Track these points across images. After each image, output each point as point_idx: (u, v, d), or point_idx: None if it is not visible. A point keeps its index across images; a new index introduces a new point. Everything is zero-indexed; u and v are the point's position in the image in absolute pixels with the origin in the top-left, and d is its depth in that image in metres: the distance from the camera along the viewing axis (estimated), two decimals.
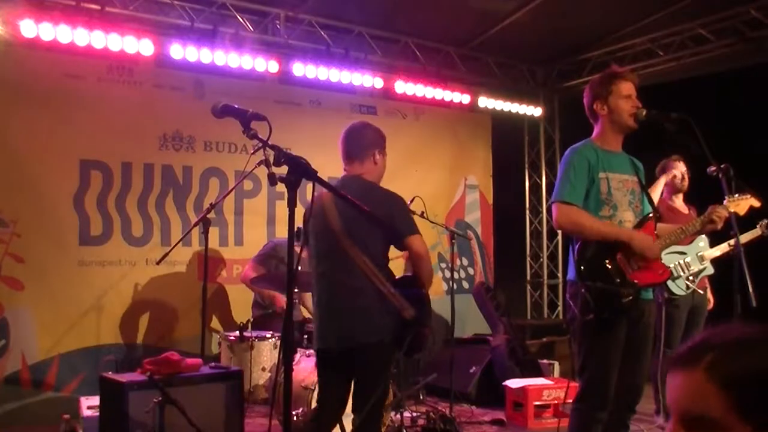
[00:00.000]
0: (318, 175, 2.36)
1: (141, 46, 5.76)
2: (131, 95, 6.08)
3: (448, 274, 7.57)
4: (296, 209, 2.27)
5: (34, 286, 5.62)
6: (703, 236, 5.13)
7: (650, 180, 3.82)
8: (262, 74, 6.46)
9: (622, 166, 3.54)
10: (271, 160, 2.31)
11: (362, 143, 3.70)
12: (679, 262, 5.17)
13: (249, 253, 6.27)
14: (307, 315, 5.74)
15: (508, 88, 8.30)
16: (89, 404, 4.66)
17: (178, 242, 5.40)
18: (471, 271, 8.26)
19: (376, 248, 3.42)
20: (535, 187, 8.96)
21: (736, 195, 3.55)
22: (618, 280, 3.33)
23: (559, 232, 8.34)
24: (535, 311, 8.87)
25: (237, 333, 5.51)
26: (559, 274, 8.69)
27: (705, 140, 3.30)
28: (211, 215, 5.19)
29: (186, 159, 6.40)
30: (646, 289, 3.45)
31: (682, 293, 5.18)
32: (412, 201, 5.29)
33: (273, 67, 6.43)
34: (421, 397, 6.15)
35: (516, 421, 5.73)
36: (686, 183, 5.43)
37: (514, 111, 8.32)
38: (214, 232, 5.85)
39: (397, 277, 3.56)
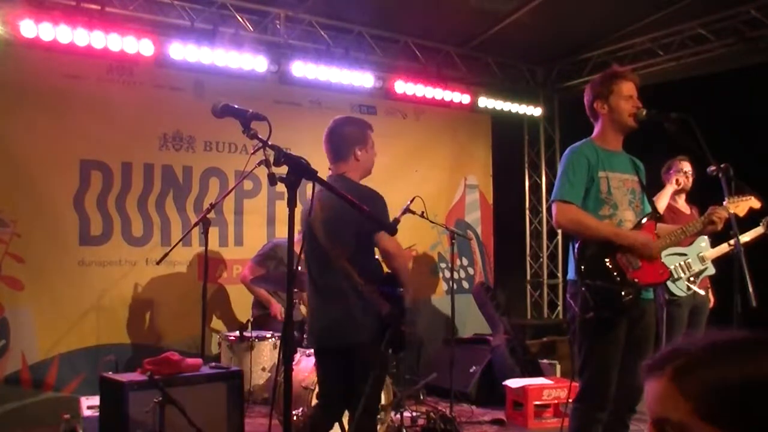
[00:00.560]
0: (318, 175, 2.36)
1: (141, 46, 5.77)
2: (131, 95, 6.08)
3: (448, 274, 7.57)
4: (296, 209, 2.27)
5: (34, 286, 5.62)
6: (705, 237, 5.13)
7: (651, 180, 3.82)
8: (262, 74, 6.46)
9: (622, 166, 3.54)
10: (271, 160, 2.31)
11: (341, 142, 3.65)
12: (680, 263, 5.17)
13: (249, 253, 6.28)
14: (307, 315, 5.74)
15: (508, 88, 8.30)
16: (89, 404, 4.67)
17: (178, 242, 5.40)
18: (471, 271, 8.26)
19: (358, 247, 3.47)
20: (535, 187, 8.96)
21: (736, 196, 3.55)
22: (618, 280, 3.33)
23: (559, 231, 8.35)
24: (535, 311, 8.87)
25: (237, 333, 5.52)
26: (559, 274, 8.69)
27: (705, 140, 3.30)
28: (211, 215, 5.19)
29: (186, 159, 6.40)
30: (646, 288, 3.45)
31: (683, 294, 5.18)
32: (412, 201, 5.30)
33: (273, 67, 6.44)
34: (421, 397, 6.15)
35: (516, 421, 5.73)
36: (690, 182, 5.43)
37: (514, 111, 8.32)
38: (214, 232, 5.85)
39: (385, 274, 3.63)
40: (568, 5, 6.66)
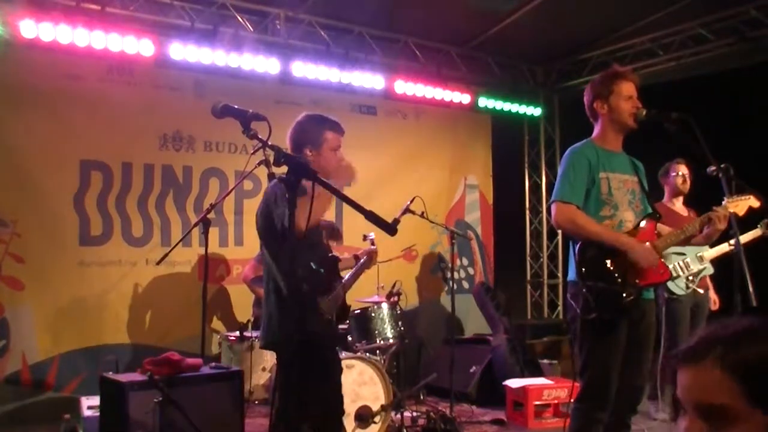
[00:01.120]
0: (317, 175, 2.36)
1: (141, 46, 5.77)
2: (131, 95, 6.08)
3: (448, 274, 7.57)
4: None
5: (34, 286, 5.62)
6: None
7: (651, 181, 3.83)
8: (262, 74, 6.46)
9: (622, 166, 3.54)
10: (271, 160, 2.31)
11: (293, 139, 3.45)
12: (678, 263, 5.18)
13: (249, 253, 6.28)
14: None
15: (508, 88, 8.30)
16: (89, 404, 4.67)
17: (178, 242, 5.40)
18: (471, 271, 8.26)
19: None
20: (535, 187, 8.96)
21: (735, 196, 3.55)
22: (619, 281, 3.33)
23: (559, 232, 8.35)
24: (535, 311, 8.87)
25: (237, 333, 5.52)
26: (559, 274, 8.69)
27: (705, 140, 3.30)
28: (211, 215, 5.19)
29: (186, 159, 6.40)
30: (647, 289, 3.45)
31: (682, 293, 5.19)
32: (412, 201, 5.29)
33: (273, 67, 6.43)
34: (421, 397, 6.15)
35: (516, 421, 5.73)
36: (687, 185, 5.43)
37: (514, 111, 8.32)
38: (214, 233, 5.85)
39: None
40: (568, 5, 6.67)
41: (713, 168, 3.41)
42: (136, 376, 4.00)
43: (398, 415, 5.11)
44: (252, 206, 6.69)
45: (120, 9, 5.84)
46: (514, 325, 6.95)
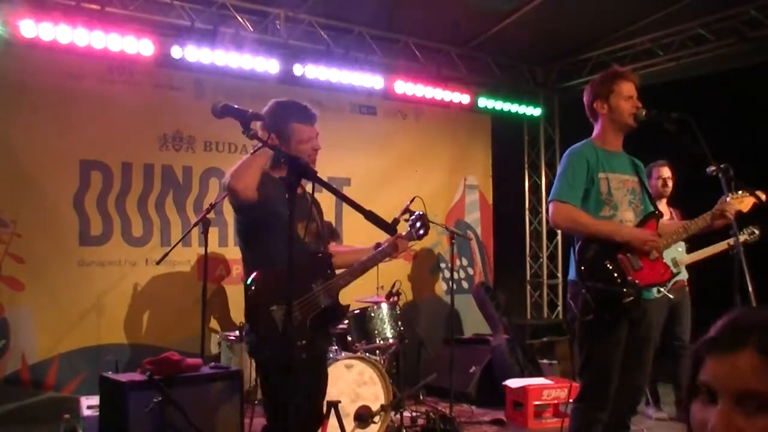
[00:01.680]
0: (317, 175, 2.36)
1: (141, 46, 5.77)
2: (131, 95, 6.08)
3: (447, 274, 7.57)
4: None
5: (34, 286, 5.62)
6: (681, 242, 5.13)
7: None
8: (262, 74, 6.46)
9: (622, 166, 3.54)
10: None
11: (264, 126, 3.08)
12: None
13: None
14: None
15: (508, 88, 8.30)
16: (89, 404, 4.67)
17: (178, 242, 5.40)
18: (471, 271, 8.26)
19: (246, 243, 3.23)
20: (535, 188, 8.96)
21: (740, 192, 3.54)
22: (619, 281, 3.33)
23: (559, 232, 8.35)
24: (535, 311, 8.87)
25: (237, 333, 5.51)
26: (559, 275, 8.69)
27: (705, 140, 3.30)
28: (211, 215, 5.19)
29: (186, 159, 6.40)
30: (647, 289, 3.45)
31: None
32: (412, 201, 5.28)
33: (273, 67, 6.43)
34: (421, 397, 6.15)
35: (516, 421, 5.73)
36: (669, 188, 5.43)
37: (513, 111, 8.32)
38: (213, 233, 5.84)
39: None
40: (568, 5, 6.66)
41: (713, 168, 3.41)
42: (136, 376, 4.00)
43: (398, 415, 5.11)
44: None
45: (120, 9, 5.83)
46: (513, 325, 6.95)
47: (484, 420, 5.89)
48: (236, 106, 2.39)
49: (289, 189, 2.25)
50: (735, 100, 6.45)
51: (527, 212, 8.95)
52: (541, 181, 8.87)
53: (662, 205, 5.49)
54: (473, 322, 7.67)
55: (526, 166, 8.95)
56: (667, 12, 6.78)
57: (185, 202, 6.36)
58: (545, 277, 8.83)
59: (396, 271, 6.47)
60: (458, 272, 7.99)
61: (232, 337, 5.52)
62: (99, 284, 5.91)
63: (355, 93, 7.24)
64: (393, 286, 5.66)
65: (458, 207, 8.23)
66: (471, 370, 6.51)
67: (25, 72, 5.64)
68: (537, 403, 5.66)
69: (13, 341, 5.52)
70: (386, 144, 7.53)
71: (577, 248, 3.41)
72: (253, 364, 5.37)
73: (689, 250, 5.30)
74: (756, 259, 3.50)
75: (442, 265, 7.88)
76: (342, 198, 2.56)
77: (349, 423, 4.67)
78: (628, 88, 3.49)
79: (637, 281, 3.35)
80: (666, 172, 5.40)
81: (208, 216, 5.05)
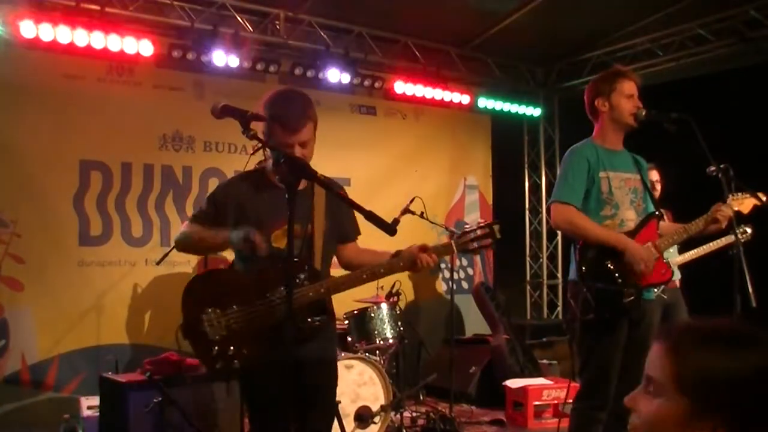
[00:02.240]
0: (317, 175, 2.36)
1: (141, 46, 5.76)
2: (131, 95, 6.08)
3: (447, 274, 7.57)
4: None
5: (34, 286, 5.62)
6: None
7: None
8: (261, 74, 6.46)
9: (623, 165, 3.54)
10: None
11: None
12: None
13: None
14: None
15: (508, 88, 8.30)
16: (89, 404, 4.67)
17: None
18: (470, 271, 8.26)
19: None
20: (535, 188, 8.96)
21: (739, 193, 3.54)
22: (620, 281, 3.33)
23: (559, 232, 8.34)
24: (535, 311, 8.87)
25: None
26: (559, 275, 8.69)
27: (704, 140, 3.30)
28: None
29: (186, 159, 6.40)
30: (648, 289, 3.45)
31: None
32: (411, 201, 5.30)
33: (273, 67, 6.43)
34: (421, 397, 6.15)
35: (516, 421, 5.73)
36: (658, 192, 5.43)
37: (513, 111, 8.31)
38: None
39: None
40: (568, 5, 6.66)
41: (713, 168, 3.41)
42: (135, 376, 4.01)
43: (398, 416, 5.12)
44: None
45: (120, 9, 5.83)
46: (513, 325, 6.95)
47: (484, 420, 5.89)
48: (236, 107, 2.39)
49: (289, 189, 2.25)
50: (735, 100, 6.45)
51: (527, 212, 8.95)
52: (541, 181, 8.87)
53: None
54: (473, 322, 7.67)
55: (526, 166, 8.95)
56: (667, 12, 6.78)
57: (185, 202, 6.36)
58: (545, 277, 8.83)
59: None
60: (458, 272, 7.99)
61: None
62: (99, 284, 5.91)
63: (355, 93, 7.24)
64: (393, 286, 5.66)
65: (458, 207, 8.23)
66: (471, 370, 6.51)
67: (25, 72, 5.64)
68: (537, 403, 5.66)
69: (13, 341, 5.52)
70: (386, 144, 7.53)
71: (578, 248, 3.41)
72: None
73: (682, 250, 5.30)
74: (756, 259, 3.51)
75: (442, 265, 7.87)
76: (342, 198, 2.57)
77: (349, 423, 4.67)
78: (629, 87, 3.50)
79: (637, 281, 3.35)
80: (654, 175, 5.40)
81: None
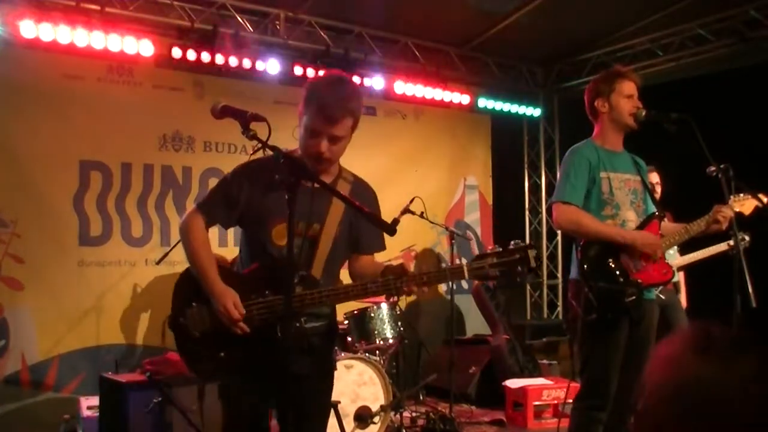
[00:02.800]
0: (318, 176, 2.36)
1: (141, 46, 5.76)
2: (131, 95, 6.08)
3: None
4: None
5: (34, 286, 5.62)
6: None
7: None
8: (262, 74, 6.46)
9: (624, 166, 3.55)
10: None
11: None
12: None
13: None
14: None
15: (507, 88, 8.30)
16: (89, 404, 4.67)
17: (178, 242, 5.38)
18: None
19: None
20: (535, 188, 8.96)
21: (740, 194, 3.54)
22: (621, 280, 3.33)
23: (559, 232, 8.35)
24: (534, 311, 8.87)
25: None
26: (559, 275, 8.68)
27: (704, 140, 3.30)
28: None
29: (186, 159, 6.40)
30: (649, 289, 3.45)
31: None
32: (411, 201, 5.30)
33: (273, 67, 6.43)
34: (421, 397, 6.15)
35: (516, 421, 5.73)
36: (658, 194, 5.43)
37: (513, 111, 8.31)
38: (213, 232, 5.81)
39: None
40: (568, 5, 6.66)
41: (713, 168, 3.41)
42: (135, 376, 4.01)
43: (398, 416, 5.11)
44: None
45: (120, 9, 5.83)
46: (513, 326, 6.95)
47: (484, 420, 5.89)
48: (236, 107, 2.39)
49: (288, 190, 2.24)
50: (735, 100, 6.45)
51: (527, 212, 8.95)
52: (540, 181, 8.87)
53: None
54: (473, 322, 7.67)
55: (526, 166, 8.95)
56: (666, 13, 6.78)
57: (185, 202, 6.36)
58: (545, 277, 8.83)
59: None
60: None
61: None
62: (99, 284, 5.91)
63: None
64: None
65: (458, 207, 8.23)
66: (471, 370, 6.51)
67: (25, 72, 5.64)
68: (537, 403, 5.66)
69: (13, 341, 5.52)
70: (386, 144, 7.53)
71: (579, 247, 3.41)
72: None
73: (683, 251, 5.30)
74: (756, 260, 3.51)
75: (442, 266, 7.87)
76: (342, 198, 2.56)
77: (349, 423, 4.67)
78: (628, 87, 3.50)
79: (639, 281, 3.35)
80: (654, 177, 5.40)
81: None
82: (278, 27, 6.58)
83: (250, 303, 2.57)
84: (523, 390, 5.69)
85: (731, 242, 4.81)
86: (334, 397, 4.29)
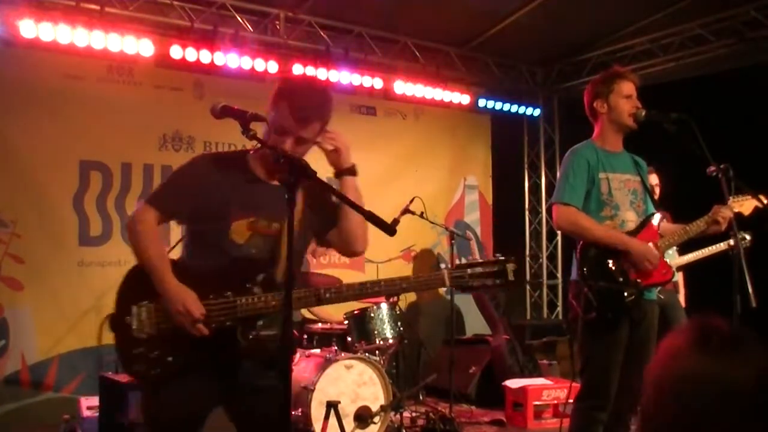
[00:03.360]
0: (317, 175, 2.36)
1: (141, 46, 5.77)
2: (131, 95, 6.08)
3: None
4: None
5: (34, 286, 5.62)
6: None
7: None
8: (262, 74, 6.46)
9: (623, 166, 3.54)
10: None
11: None
12: None
13: None
14: (307, 315, 5.74)
15: (507, 88, 8.30)
16: (89, 404, 4.67)
17: (178, 243, 5.37)
18: None
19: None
20: (535, 188, 8.96)
21: (740, 195, 3.54)
22: (621, 280, 3.33)
23: (559, 232, 8.34)
24: (534, 311, 8.87)
25: None
26: (559, 275, 8.68)
27: (704, 141, 3.30)
28: None
29: (185, 159, 6.35)
30: (649, 289, 3.45)
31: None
32: (411, 201, 5.31)
33: (273, 67, 6.43)
34: (421, 398, 6.15)
35: (516, 422, 5.72)
36: (657, 196, 5.43)
37: (513, 111, 8.32)
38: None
39: None
40: (568, 5, 6.66)
41: (713, 168, 3.41)
42: None
43: (397, 416, 5.11)
44: None
45: (120, 9, 5.83)
46: (513, 326, 6.95)
47: (483, 420, 5.89)
48: (236, 107, 2.38)
49: (288, 190, 2.23)
50: (735, 100, 6.45)
51: (527, 212, 8.95)
52: (540, 181, 8.87)
53: None
54: (473, 322, 7.66)
55: (526, 166, 8.95)
56: (666, 13, 6.78)
57: None
58: (545, 277, 8.82)
59: (396, 271, 6.47)
60: None
61: None
62: (99, 284, 5.90)
63: (355, 93, 7.24)
64: None
65: (458, 207, 8.23)
66: (471, 370, 6.51)
67: (25, 72, 5.64)
68: (537, 403, 5.66)
69: (13, 341, 5.52)
70: (386, 144, 7.53)
71: (579, 247, 3.41)
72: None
73: (682, 252, 5.31)
74: (756, 260, 3.50)
75: (442, 266, 7.87)
76: (342, 198, 2.56)
77: (349, 423, 4.67)
78: (627, 88, 3.50)
79: (639, 281, 3.35)
80: (654, 179, 5.40)
81: None
82: (278, 27, 6.58)
83: (209, 304, 2.43)
84: (523, 390, 5.69)
85: (731, 242, 4.81)
86: (334, 397, 4.32)
